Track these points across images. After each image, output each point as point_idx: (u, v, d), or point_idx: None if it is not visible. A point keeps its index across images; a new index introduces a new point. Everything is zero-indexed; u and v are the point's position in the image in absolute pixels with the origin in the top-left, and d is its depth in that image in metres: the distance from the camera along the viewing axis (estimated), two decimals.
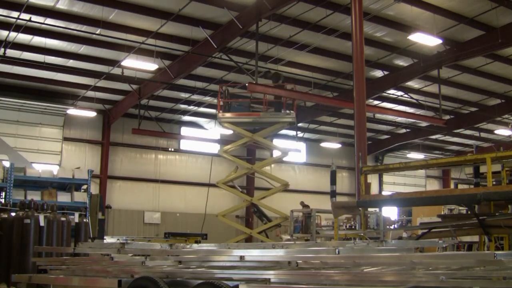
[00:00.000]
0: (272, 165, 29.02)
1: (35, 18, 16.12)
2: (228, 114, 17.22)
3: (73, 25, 17.05)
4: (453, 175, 34.98)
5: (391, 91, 23.89)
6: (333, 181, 12.99)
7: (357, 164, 12.42)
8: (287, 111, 17.53)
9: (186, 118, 28.37)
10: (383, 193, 31.30)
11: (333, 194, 12.76)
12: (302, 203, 20.04)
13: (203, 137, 29.50)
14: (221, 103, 17.26)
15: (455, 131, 29.99)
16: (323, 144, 32.22)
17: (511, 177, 11.17)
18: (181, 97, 24.93)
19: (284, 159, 27.47)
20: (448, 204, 14.71)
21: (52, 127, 24.83)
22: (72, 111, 24.66)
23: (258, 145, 19.61)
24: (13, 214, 9.62)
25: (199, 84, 22.49)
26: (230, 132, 29.31)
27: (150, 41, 17.78)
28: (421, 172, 35.48)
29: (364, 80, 13.93)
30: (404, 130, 31.67)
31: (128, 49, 18.45)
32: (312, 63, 21.20)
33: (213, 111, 27.54)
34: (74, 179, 12.67)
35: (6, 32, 16.71)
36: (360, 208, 10.84)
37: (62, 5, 16.25)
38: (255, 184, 28.18)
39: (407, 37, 17.76)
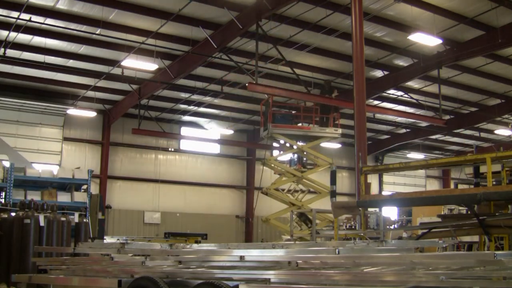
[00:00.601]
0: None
1: (35, 18, 16.12)
2: (277, 127, 18.44)
3: (73, 25, 17.05)
4: (453, 175, 34.98)
5: (391, 91, 23.89)
6: (333, 181, 12.99)
7: (357, 164, 12.42)
8: (335, 128, 19.19)
9: (186, 118, 28.37)
10: (383, 193, 31.30)
11: (333, 194, 12.78)
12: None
13: (203, 137, 29.51)
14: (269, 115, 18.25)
15: (455, 131, 29.97)
16: (323, 144, 32.15)
17: (511, 177, 11.16)
18: (181, 97, 24.92)
19: (283, 159, 27.51)
20: (448, 204, 14.70)
21: (52, 127, 24.81)
22: (72, 111, 24.66)
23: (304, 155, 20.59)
24: (13, 214, 9.61)
25: (199, 84, 22.48)
26: (230, 132, 29.45)
27: (150, 41, 17.78)
28: (421, 172, 35.47)
29: (364, 80, 13.92)
30: (404, 130, 31.66)
31: (128, 49, 18.45)
32: (312, 63, 21.20)
33: (213, 111, 27.60)
34: (74, 179, 12.64)
35: (6, 32, 16.71)
36: (360, 208, 10.83)
37: (62, 5, 16.24)
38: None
39: (407, 37, 17.75)
